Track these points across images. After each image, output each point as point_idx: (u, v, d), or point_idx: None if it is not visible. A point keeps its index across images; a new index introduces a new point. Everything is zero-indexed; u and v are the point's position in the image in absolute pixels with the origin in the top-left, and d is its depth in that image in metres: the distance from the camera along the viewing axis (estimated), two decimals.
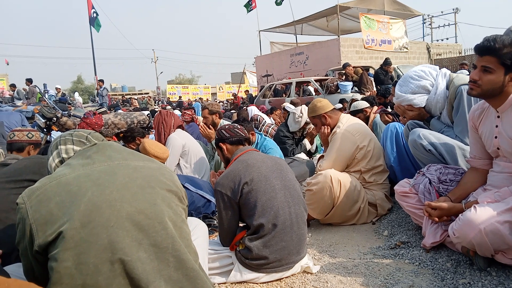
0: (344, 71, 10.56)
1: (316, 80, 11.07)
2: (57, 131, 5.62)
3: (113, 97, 24.49)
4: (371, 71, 11.34)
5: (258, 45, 27.99)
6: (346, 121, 3.02)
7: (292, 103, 8.20)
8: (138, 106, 17.00)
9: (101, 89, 14.87)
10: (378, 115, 4.24)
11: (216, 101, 22.71)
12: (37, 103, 8.86)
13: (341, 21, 18.13)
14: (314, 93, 10.95)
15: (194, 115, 6.90)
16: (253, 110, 7.69)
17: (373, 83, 9.67)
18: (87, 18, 20.10)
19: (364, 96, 8.00)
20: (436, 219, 2.04)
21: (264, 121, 6.26)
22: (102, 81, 15.46)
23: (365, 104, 4.71)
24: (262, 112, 8.13)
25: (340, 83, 9.73)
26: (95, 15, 20.07)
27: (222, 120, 4.76)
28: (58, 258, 1.15)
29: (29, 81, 13.45)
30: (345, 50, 16.53)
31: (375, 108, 4.72)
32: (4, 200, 1.98)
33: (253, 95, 16.92)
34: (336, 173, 2.76)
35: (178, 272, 1.26)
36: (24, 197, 1.25)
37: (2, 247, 1.73)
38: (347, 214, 2.82)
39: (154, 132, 4.63)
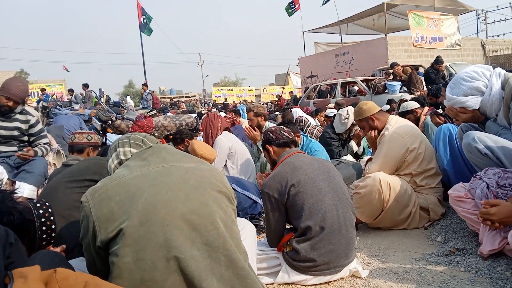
0: (392, 71, 10.25)
1: (362, 80, 10.82)
2: (111, 133, 5.95)
3: (161, 100, 25.40)
4: (421, 70, 10.90)
5: (302, 46, 27.69)
6: (395, 122, 2.93)
7: (337, 104, 8.10)
8: (186, 109, 17.48)
9: (146, 93, 15.37)
10: (429, 116, 4.08)
11: (260, 103, 22.84)
12: (93, 107, 9.40)
13: (388, 19, 17.58)
14: (360, 94, 10.71)
15: (234, 118, 7.01)
16: (297, 112, 7.67)
17: (423, 82, 9.29)
18: (137, 25, 21.02)
19: (414, 96, 7.71)
20: (496, 224, 1.92)
21: (309, 122, 6.24)
22: (146, 85, 15.95)
23: (415, 105, 4.54)
24: (307, 113, 8.10)
25: (388, 83, 9.45)
26: (144, 21, 20.93)
27: (267, 122, 4.79)
28: (119, 253, 1.23)
29: (85, 86, 14.27)
30: (393, 48, 16.02)
31: (426, 109, 4.53)
32: (67, 198, 2.13)
33: (297, 97, 16.85)
34: (385, 176, 2.69)
35: (229, 270, 1.30)
36: (88, 196, 1.35)
37: (66, 243, 1.86)
38: (397, 218, 2.74)
39: (201, 134, 4.77)
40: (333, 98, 11.14)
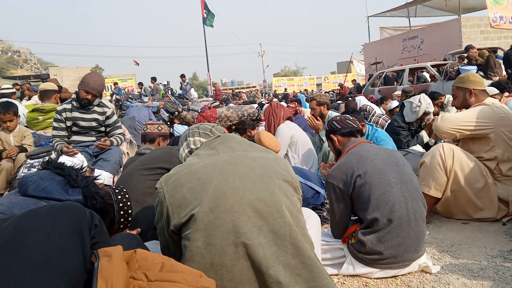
0: (466, 54, 9.48)
1: (433, 66, 10.14)
2: (178, 124, 6.21)
3: (223, 91, 26.01)
4: (500, 53, 9.97)
5: (366, 32, 26.61)
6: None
7: (404, 91, 7.69)
8: (247, 99, 17.72)
9: (185, 83, 15.61)
10: (510, 102, 3.74)
11: (321, 92, 22.46)
12: (161, 99, 9.87)
13: None
14: (430, 80, 10.08)
15: (298, 107, 6.94)
16: (361, 100, 7.42)
17: (502, 66, 8.50)
18: (201, 18, 21.60)
19: (492, 81, 7.10)
20: None
21: (373, 111, 6.01)
22: (184, 75, 16.05)
23: (493, 91, 4.18)
24: (371, 102, 7.80)
25: (462, 67, 8.76)
26: (206, 14, 21.44)
27: (330, 111, 4.70)
28: (191, 238, 1.30)
29: (153, 79, 15.04)
30: (467, 30, 14.84)
31: (506, 95, 4.15)
32: (141, 185, 2.27)
33: (361, 85, 16.29)
34: (449, 144, 2.59)
35: (296, 259, 1.31)
36: (162, 182, 1.43)
37: (140, 226, 2.00)
38: (468, 200, 2.58)
39: (263, 124, 4.81)
40: (400, 85, 10.58)
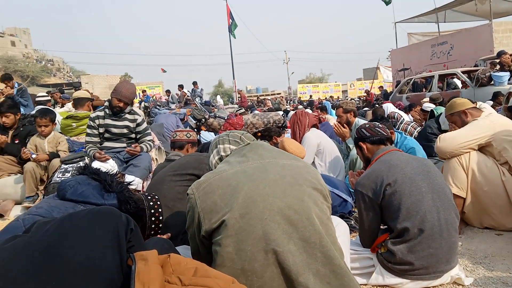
0: (498, 60, 9.18)
1: (463, 72, 9.87)
2: (205, 130, 6.30)
3: (248, 98, 26.17)
4: None
5: (393, 38, 26.20)
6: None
7: (432, 99, 7.53)
8: (272, 106, 17.75)
9: (199, 90, 15.60)
10: None
11: (347, 99, 22.23)
12: (188, 106, 10.04)
13: (494, 3, 15.77)
14: (461, 87, 9.81)
15: (321, 115, 6.91)
16: (389, 107, 7.32)
17: None
18: (226, 27, 21.89)
19: None
20: None
21: (402, 118, 5.90)
22: (196, 83, 15.94)
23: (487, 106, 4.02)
24: (399, 109, 7.67)
25: (494, 73, 8.50)
26: (232, 22, 21.70)
27: (357, 118, 4.65)
28: (221, 243, 1.32)
29: (180, 86, 15.30)
30: (500, 35, 14.38)
31: None
32: (171, 190, 2.32)
33: (388, 91, 16.03)
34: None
35: (326, 267, 1.31)
36: (193, 188, 1.46)
37: (171, 231, 2.04)
38: (490, 202, 2.58)
39: (288, 131, 4.80)
40: (429, 92, 10.36)
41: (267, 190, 1.38)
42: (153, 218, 1.92)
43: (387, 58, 23.42)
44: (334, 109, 9.32)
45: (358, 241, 2.24)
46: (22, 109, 5.33)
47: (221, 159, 1.62)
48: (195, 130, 6.19)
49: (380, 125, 2.35)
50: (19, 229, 1.50)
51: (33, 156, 3.92)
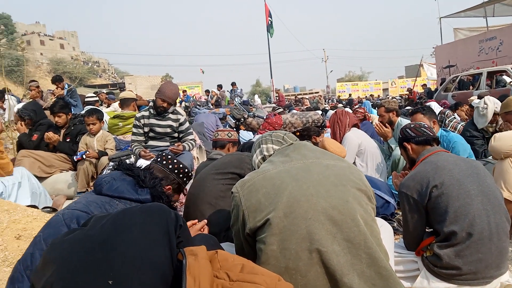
0: None
1: None
2: (244, 130, 6.37)
3: (286, 97, 26.10)
4: None
5: (438, 34, 25.14)
6: None
7: (480, 97, 7.17)
8: (310, 105, 17.61)
9: (238, 90, 15.49)
10: None
11: (388, 97, 21.60)
12: (226, 106, 10.19)
13: None
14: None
15: (366, 113, 6.76)
16: (433, 107, 7.05)
17: None
18: (265, 26, 21.91)
19: None
20: None
21: (452, 116, 5.68)
22: (234, 83, 15.80)
23: None
24: (444, 108, 7.38)
25: None
26: (270, 22, 21.69)
27: (399, 118, 4.53)
28: (266, 241, 1.34)
29: (219, 86, 15.56)
30: None
31: None
32: (214, 188, 2.38)
33: (432, 89, 15.44)
34: None
35: (371, 269, 1.30)
36: (238, 187, 1.50)
37: (213, 228, 2.09)
38: None
39: (328, 131, 4.75)
40: (477, 90, 9.87)
41: (311, 190, 1.39)
42: (180, 175, 2.12)
43: (431, 55, 22.50)
44: (374, 108, 9.12)
45: (401, 243, 2.19)
46: (72, 109, 5.63)
47: (264, 158, 1.65)
48: (234, 129, 6.27)
49: (426, 125, 2.28)
50: (59, 223, 1.57)
51: (84, 154, 4.14)
